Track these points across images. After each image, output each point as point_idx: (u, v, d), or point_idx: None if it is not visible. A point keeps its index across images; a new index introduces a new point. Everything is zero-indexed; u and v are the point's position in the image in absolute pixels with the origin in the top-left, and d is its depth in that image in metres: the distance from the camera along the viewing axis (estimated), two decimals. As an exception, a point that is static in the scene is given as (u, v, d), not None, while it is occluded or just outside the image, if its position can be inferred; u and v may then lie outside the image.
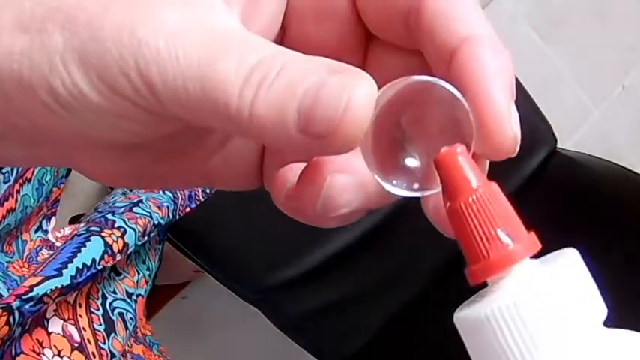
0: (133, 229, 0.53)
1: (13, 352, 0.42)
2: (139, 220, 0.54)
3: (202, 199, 0.65)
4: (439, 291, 0.81)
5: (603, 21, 1.38)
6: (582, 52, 1.37)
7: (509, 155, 0.21)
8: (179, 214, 0.61)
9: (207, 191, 0.66)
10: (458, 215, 0.19)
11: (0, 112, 0.20)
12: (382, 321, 0.81)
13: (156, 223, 0.57)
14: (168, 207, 0.59)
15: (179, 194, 0.62)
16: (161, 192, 0.62)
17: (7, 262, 0.49)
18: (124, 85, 0.19)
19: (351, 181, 0.22)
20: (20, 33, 0.19)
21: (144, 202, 0.58)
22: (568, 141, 1.35)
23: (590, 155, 0.94)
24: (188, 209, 0.63)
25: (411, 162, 0.21)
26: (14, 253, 0.50)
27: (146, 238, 0.56)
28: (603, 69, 1.40)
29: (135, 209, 0.56)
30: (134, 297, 0.57)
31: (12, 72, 0.19)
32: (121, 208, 0.56)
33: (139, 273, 0.59)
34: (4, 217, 0.45)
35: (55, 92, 0.19)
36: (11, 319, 0.40)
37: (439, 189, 0.21)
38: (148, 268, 0.61)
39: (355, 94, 0.18)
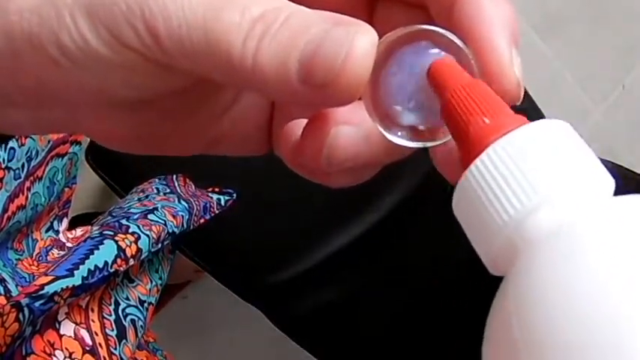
0: (147, 235, 0.53)
1: (24, 351, 0.41)
2: (153, 227, 0.54)
3: (217, 211, 0.65)
4: (441, 291, 0.81)
5: (603, 21, 1.38)
6: (582, 52, 1.36)
7: (514, 102, 0.20)
8: (193, 225, 0.61)
9: (222, 204, 0.66)
10: (447, 107, 0.19)
11: (9, 72, 0.20)
12: (383, 321, 0.81)
13: (170, 231, 0.56)
14: (183, 216, 0.59)
15: (194, 205, 0.62)
16: (176, 201, 0.61)
17: (16, 259, 0.48)
18: (131, 36, 0.19)
19: (355, 133, 0.22)
20: None
21: (159, 209, 0.58)
22: (568, 141, 1.34)
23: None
24: (202, 220, 0.62)
25: (414, 113, 0.21)
26: (24, 251, 0.50)
27: (160, 245, 0.55)
28: (603, 69, 1.40)
29: (150, 216, 0.56)
30: (146, 305, 0.57)
31: (22, 30, 0.19)
32: (136, 214, 0.56)
33: (151, 282, 0.59)
34: (14, 214, 0.45)
35: (63, 46, 0.19)
36: (21, 316, 0.40)
37: (443, 140, 0.21)
38: (160, 278, 0.61)
39: (355, 43, 0.18)
